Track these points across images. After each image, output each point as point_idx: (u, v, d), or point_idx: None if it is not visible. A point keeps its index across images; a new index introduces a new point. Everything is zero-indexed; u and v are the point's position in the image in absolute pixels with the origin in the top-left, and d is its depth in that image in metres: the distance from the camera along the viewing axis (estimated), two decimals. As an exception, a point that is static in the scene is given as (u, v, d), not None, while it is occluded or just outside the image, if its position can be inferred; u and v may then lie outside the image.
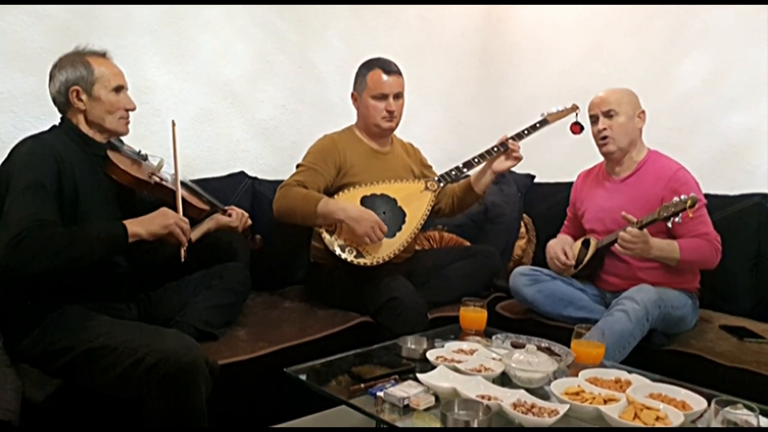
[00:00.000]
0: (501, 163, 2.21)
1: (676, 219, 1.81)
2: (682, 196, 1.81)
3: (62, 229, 1.48)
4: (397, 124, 2.26)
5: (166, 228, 1.61)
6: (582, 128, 2.30)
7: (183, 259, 1.67)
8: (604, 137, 2.12)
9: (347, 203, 2.07)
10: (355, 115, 2.31)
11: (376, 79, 2.18)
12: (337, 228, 2.05)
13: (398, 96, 2.21)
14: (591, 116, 2.18)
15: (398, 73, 2.21)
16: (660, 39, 2.77)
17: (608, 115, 2.11)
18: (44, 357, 1.48)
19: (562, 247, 2.22)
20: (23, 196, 1.46)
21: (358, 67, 2.25)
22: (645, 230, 1.88)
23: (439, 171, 2.44)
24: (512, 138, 2.22)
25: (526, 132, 2.25)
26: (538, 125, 2.29)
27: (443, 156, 2.62)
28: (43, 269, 1.43)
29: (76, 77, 1.63)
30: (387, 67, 2.19)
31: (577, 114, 2.32)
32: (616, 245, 1.94)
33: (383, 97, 2.18)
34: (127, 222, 1.55)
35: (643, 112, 2.14)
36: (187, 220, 1.68)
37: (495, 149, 2.21)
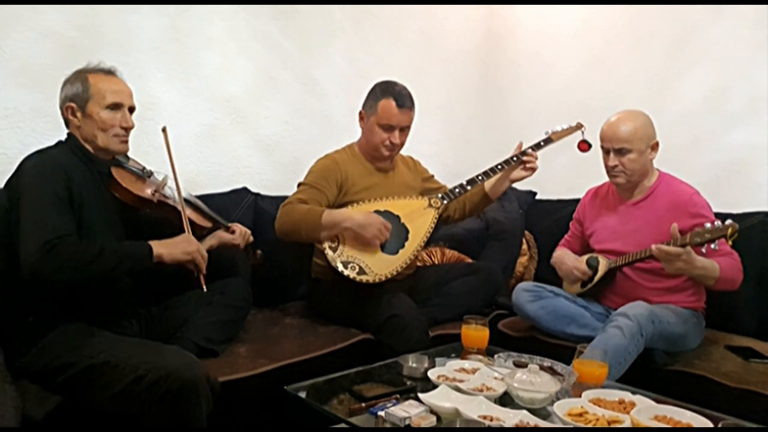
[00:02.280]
0: (517, 173, 2.26)
1: (712, 246, 1.76)
2: (717, 223, 1.76)
3: (92, 241, 1.51)
4: (397, 153, 2.27)
5: (189, 255, 1.64)
6: (590, 146, 2.28)
7: (205, 289, 1.71)
8: (615, 172, 2.08)
9: (351, 211, 2.08)
10: (357, 132, 2.32)
11: (387, 109, 2.15)
12: (341, 240, 2.05)
13: (405, 129, 2.21)
14: (602, 147, 2.11)
15: (410, 107, 2.18)
16: (661, 55, 2.78)
17: (620, 152, 2.04)
18: (45, 373, 1.48)
19: (575, 260, 2.20)
20: (44, 206, 1.48)
21: (373, 87, 2.22)
22: (688, 248, 1.79)
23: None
24: (528, 149, 2.26)
25: (529, 150, 2.27)
26: (542, 143, 2.31)
27: (444, 171, 2.62)
28: (71, 278, 1.46)
29: (72, 94, 1.65)
30: (401, 100, 2.15)
31: (582, 132, 2.31)
32: (658, 260, 1.86)
33: (390, 128, 2.17)
34: (151, 243, 1.57)
35: (657, 143, 2.07)
36: (205, 251, 1.71)
37: (513, 159, 2.26)
